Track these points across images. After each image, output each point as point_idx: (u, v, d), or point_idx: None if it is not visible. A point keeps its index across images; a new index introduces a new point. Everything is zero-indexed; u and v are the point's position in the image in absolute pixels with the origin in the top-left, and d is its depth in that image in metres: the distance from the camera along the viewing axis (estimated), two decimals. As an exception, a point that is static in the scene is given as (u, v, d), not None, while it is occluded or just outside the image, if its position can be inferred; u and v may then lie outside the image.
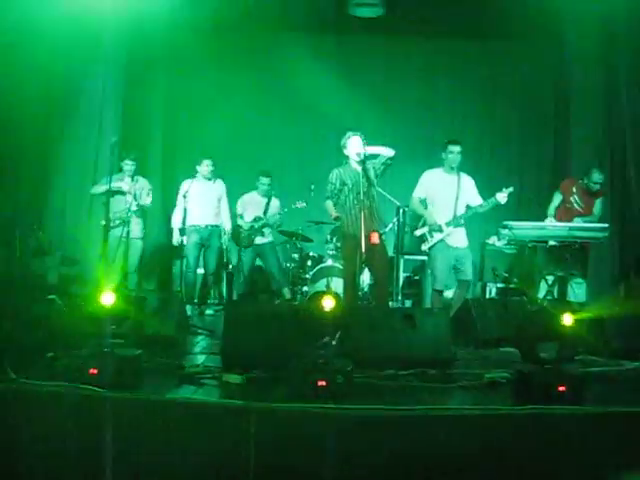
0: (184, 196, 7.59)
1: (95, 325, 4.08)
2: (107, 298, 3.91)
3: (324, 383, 3.65)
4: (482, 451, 3.43)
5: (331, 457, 3.34)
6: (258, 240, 8.98)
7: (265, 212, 9.03)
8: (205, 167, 8.18)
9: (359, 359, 4.36)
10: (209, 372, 4.22)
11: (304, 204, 8.86)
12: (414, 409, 3.52)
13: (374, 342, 4.53)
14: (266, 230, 9.04)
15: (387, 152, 6.62)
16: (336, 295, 3.89)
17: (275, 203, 9.16)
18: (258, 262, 9.12)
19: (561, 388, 3.70)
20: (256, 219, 8.91)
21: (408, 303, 9.36)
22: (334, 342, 3.92)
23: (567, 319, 3.85)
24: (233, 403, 3.50)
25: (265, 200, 9.10)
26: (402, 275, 9.31)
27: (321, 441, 3.35)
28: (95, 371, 3.76)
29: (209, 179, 8.27)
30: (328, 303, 3.74)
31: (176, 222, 8.13)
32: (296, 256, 9.38)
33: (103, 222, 7.50)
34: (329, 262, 8.86)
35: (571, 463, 3.43)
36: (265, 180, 9.02)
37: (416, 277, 9.74)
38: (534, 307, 5.91)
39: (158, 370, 4.30)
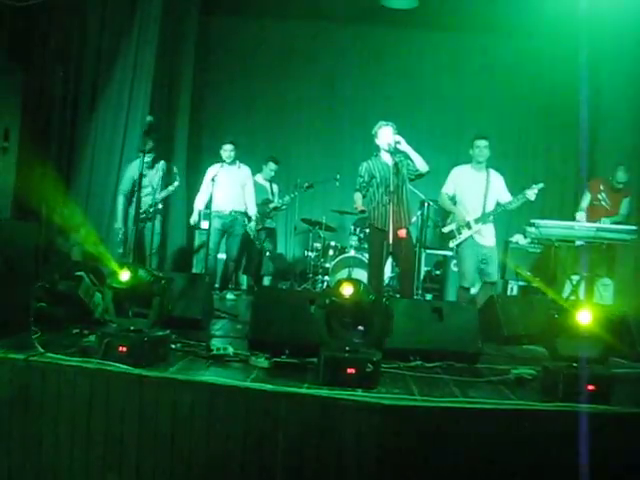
0: (212, 180, 7.56)
1: (123, 303, 4.10)
2: (125, 275, 3.94)
3: (353, 371, 3.64)
4: (510, 446, 3.42)
5: (360, 445, 3.34)
6: (268, 223, 9.19)
7: (272, 195, 9.31)
8: (226, 151, 8.14)
9: (385, 350, 4.37)
10: (236, 355, 4.20)
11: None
12: (444, 401, 3.52)
13: (401, 333, 4.50)
14: (272, 214, 9.23)
15: (422, 167, 6.56)
16: (364, 284, 3.83)
17: (275, 188, 9.45)
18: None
19: (590, 387, 3.67)
20: (265, 202, 8.98)
21: (429, 297, 9.34)
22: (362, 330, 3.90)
23: (592, 319, 3.82)
24: (263, 387, 3.50)
25: (268, 184, 9.32)
26: (423, 269, 9.30)
27: (351, 428, 3.36)
28: (124, 349, 3.77)
29: (232, 164, 8.22)
30: (347, 291, 3.72)
31: (198, 204, 8.18)
32: (318, 245, 9.38)
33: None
34: (351, 253, 8.85)
35: (598, 461, 3.41)
36: (274, 166, 9.31)
37: (437, 272, 9.70)
38: (560, 305, 5.85)
39: (185, 351, 4.30)
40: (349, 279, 3.89)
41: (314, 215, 9.59)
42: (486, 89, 10.80)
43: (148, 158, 7.80)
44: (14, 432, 3.69)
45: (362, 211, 6.86)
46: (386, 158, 6.58)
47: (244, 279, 9.45)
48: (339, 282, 3.79)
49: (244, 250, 8.73)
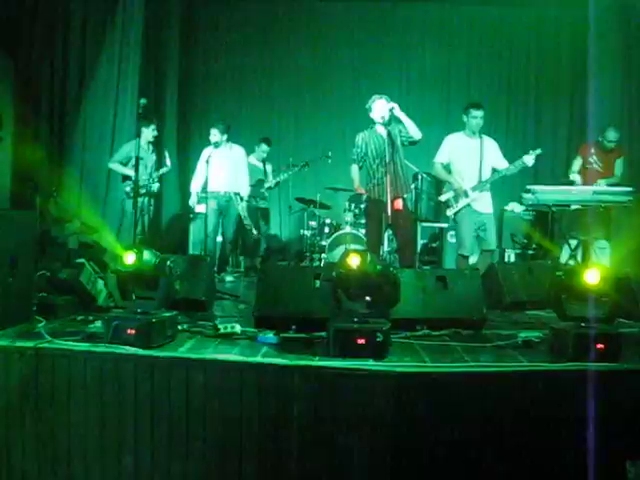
0: (207, 162, 7.54)
1: (129, 287, 4.09)
2: (129, 257, 3.93)
3: (363, 341, 3.64)
4: (523, 407, 3.45)
5: (375, 414, 3.36)
6: (261, 204, 9.26)
7: (265, 176, 9.35)
8: (212, 136, 8.09)
9: (391, 320, 4.37)
10: (244, 333, 4.21)
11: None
12: (457, 366, 3.54)
13: (406, 303, 4.49)
14: (266, 194, 9.30)
15: (415, 133, 6.56)
16: (371, 254, 3.83)
17: (269, 168, 9.51)
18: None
19: (599, 346, 3.69)
20: (258, 182, 8.96)
21: (426, 270, 9.35)
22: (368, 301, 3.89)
23: (598, 277, 3.84)
24: (275, 362, 3.51)
25: (262, 165, 9.39)
26: (420, 242, 9.30)
27: (365, 398, 3.37)
28: (133, 331, 3.76)
29: (218, 145, 8.13)
30: (354, 261, 3.72)
31: (195, 186, 8.17)
32: (314, 224, 9.37)
33: (129, 188, 7.63)
34: (347, 229, 8.84)
35: (614, 418, 3.45)
36: (266, 148, 9.41)
37: (434, 244, 9.72)
38: (563, 268, 5.86)
39: (193, 332, 4.29)
40: (355, 250, 3.87)
41: (308, 194, 9.57)
42: (474, 58, 10.81)
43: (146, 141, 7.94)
44: (26, 420, 3.68)
45: (361, 193, 6.85)
46: (381, 131, 6.57)
47: (241, 260, 9.43)
48: (346, 253, 3.78)
49: (240, 231, 8.69)
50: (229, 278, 8.06)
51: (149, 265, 4.01)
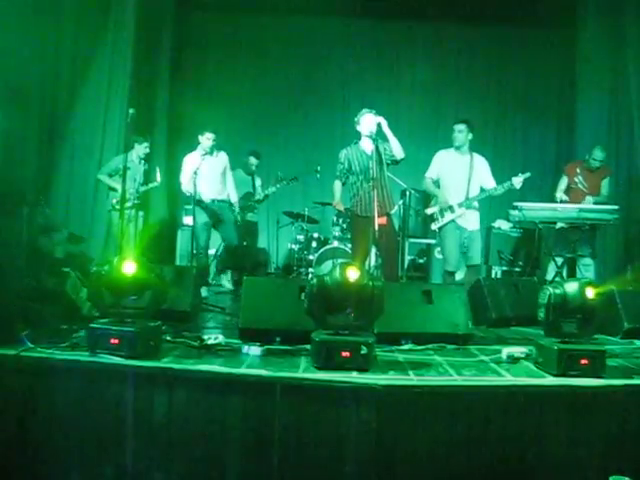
0: (195, 173, 7.46)
1: (115, 296, 4.07)
2: (129, 267, 3.88)
3: (348, 354, 3.64)
4: (507, 422, 3.45)
5: (358, 426, 3.35)
6: (250, 217, 9.13)
7: (254, 189, 9.23)
8: (207, 140, 7.94)
9: (376, 334, 4.37)
10: (228, 345, 4.20)
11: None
12: (441, 380, 3.54)
13: (391, 317, 4.48)
14: (254, 207, 9.22)
15: (398, 152, 6.54)
16: (358, 266, 3.83)
17: (258, 181, 9.41)
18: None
19: (583, 361, 3.71)
20: (247, 195, 8.91)
21: (413, 285, 9.35)
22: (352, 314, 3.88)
23: (589, 293, 3.86)
24: (259, 373, 3.49)
25: (250, 178, 9.27)
26: (407, 258, 9.31)
27: (349, 411, 3.36)
28: (117, 341, 3.74)
29: (209, 153, 8.05)
30: (352, 274, 3.72)
31: (185, 184, 8.06)
32: (301, 238, 9.38)
33: (114, 201, 7.62)
34: (334, 244, 8.87)
35: (597, 434, 3.46)
36: (255, 161, 9.29)
37: (421, 260, 9.74)
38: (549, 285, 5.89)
39: (177, 342, 4.27)
40: (349, 263, 3.86)
41: (296, 208, 9.59)
42: (463, 77, 10.87)
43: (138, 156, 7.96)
44: (6, 428, 3.65)
45: (339, 210, 6.89)
46: (365, 145, 6.57)
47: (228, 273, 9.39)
48: (341, 266, 3.77)
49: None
50: (215, 290, 8.02)
51: (138, 274, 3.99)
